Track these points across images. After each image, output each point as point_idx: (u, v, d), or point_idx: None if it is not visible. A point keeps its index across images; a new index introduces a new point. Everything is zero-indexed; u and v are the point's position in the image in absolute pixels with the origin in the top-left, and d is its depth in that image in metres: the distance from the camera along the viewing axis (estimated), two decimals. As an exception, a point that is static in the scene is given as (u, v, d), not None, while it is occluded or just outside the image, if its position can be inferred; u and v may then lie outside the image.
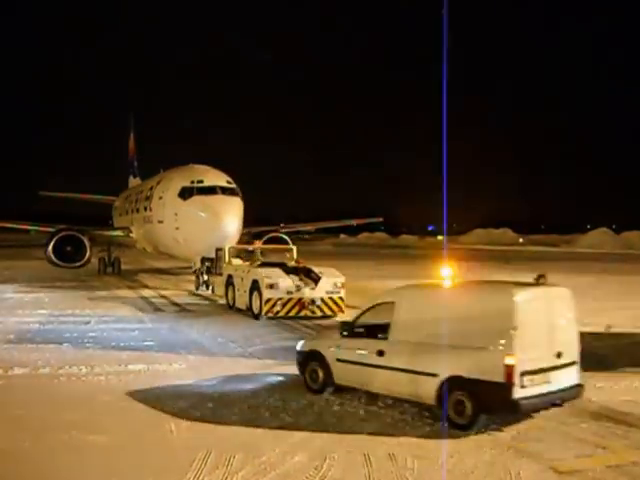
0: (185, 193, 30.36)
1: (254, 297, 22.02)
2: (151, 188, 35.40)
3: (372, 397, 12.09)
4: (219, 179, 31.24)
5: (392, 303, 12.12)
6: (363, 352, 11.98)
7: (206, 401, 11.83)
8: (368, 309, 12.90)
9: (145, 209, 35.27)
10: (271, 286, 21.38)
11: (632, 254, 69.89)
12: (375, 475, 8.49)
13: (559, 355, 10.67)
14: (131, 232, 38.92)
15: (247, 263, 25.42)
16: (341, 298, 22.06)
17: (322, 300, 21.76)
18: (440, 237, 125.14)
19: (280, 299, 21.37)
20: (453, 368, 10.56)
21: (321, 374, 12.55)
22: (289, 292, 21.54)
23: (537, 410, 10.83)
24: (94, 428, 10.37)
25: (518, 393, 10.05)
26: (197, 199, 29.87)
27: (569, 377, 10.93)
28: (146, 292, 30.79)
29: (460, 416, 10.40)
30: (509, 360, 10.00)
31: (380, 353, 11.62)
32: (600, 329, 19.89)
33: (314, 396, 12.28)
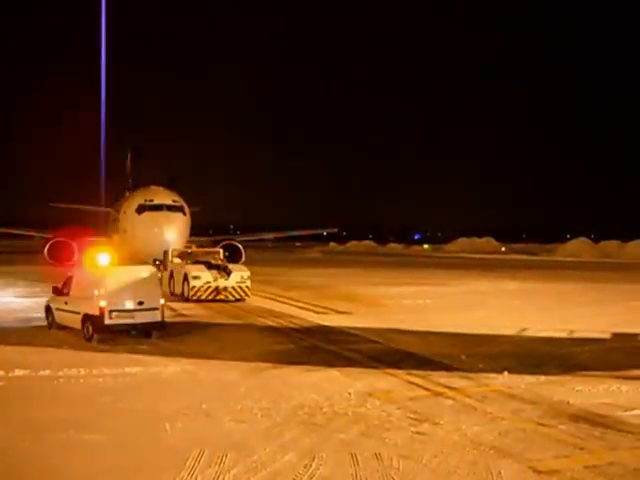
0: (140, 209, 39.12)
1: (185, 285, 28.45)
2: (121, 204, 43.06)
3: (361, 398, 12.19)
4: (166, 198, 40.02)
5: (72, 276, 20.06)
6: (61, 303, 19.76)
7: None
8: (66, 280, 20.27)
9: (118, 220, 42.36)
10: (195, 277, 28.08)
11: (610, 262, 70.20)
12: (362, 474, 8.49)
13: (140, 303, 18.37)
14: (111, 239, 44.29)
15: (183, 261, 31.15)
16: (247, 287, 28.65)
17: (233, 288, 28.31)
18: (426, 246, 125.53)
19: (202, 287, 27.87)
20: (84, 309, 18.43)
21: (51, 318, 20.38)
22: (208, 282, 28.00)
23: (122, 331, 18.47)
24: (92, 428, 10.35)
25: (108, 321, 17.89)
26: (147, 214, 38.60)
27: (150, 316, 18.62)
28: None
29: (88, 334, 18.24)
30: (102, 303, 17.82)
31: (66, 303, 19.49)
32: (578, 334, 20.04)
33: (303, 398, 12.29)
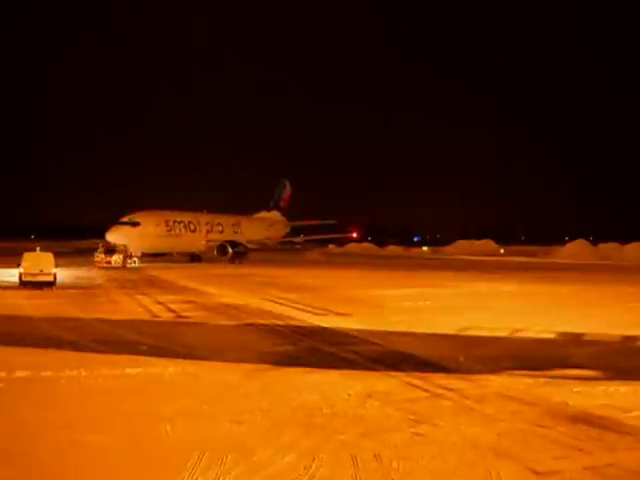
0: (117, 223, 63.02)
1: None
2: None
3: (360, 399, 12.22)
4: (126, 218, 63.27)
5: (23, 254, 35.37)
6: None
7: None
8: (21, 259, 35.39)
9: None
10: (96, 256, 58.07)
11: (608, 264, 70.23)
12: (362, 475, 8.50)
13: (41, 271, 34.37)
14: None
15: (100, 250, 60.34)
16: (120, 262, 57.40)
17: (114, 261, 57.34)
18: (425, 248, 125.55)
19: (99, 260, 57.71)
20: (18, 272, 35.07)
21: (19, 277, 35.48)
22: (103, 258, 57.83)
23: (31, 284, 34.14)
24: (93, 429, 10.36)
25: (24, 279, 34.55)
26: (114, 226, 62.52)
27: (46, 277, 34.39)
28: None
29: (19, 284, 34.88)
30: (21, 270, 34.61)
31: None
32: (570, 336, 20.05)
33: (303, 400, 12.31)
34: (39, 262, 35.07)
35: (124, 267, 56.73)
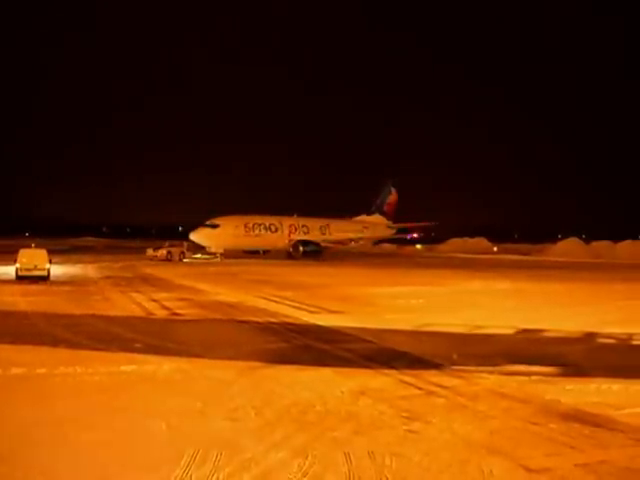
0: (201, 225, 72.99)
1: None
2: None
3: (353, 397, 12.21)
4: (209, 221, 72.63)
5: (17, 252, 37.99)
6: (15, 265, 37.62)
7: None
8: (17, 256, 37.82)
9: None
10: (147, 252, 70.58)
11: (601, 262, 70.39)
12: (355, 472, 8.50)
13: (36, 266, 36.71)
14: None
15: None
16: (182, 254, 68.70)
17: (161, 254, 67.22)
18: (419, 246, 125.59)
19: (150, 255, 69.11)
20: (15, 267, 37.12)
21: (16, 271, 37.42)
22: (151, 253, 69.14)
23: (27, 278, 36.55)
24: (87, 426, 10.33)
25: (19, 274, 36.65)
26: (198, 227, 72.84)
27: (40, 273, 36.72)
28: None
29: (15, 278, 36.66)
30: (17, 265, 36.98)
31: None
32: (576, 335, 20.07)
33: (296, 397, 12.30)
34: (34, 258, 37.64)
35: (180, 260, 67.07)
